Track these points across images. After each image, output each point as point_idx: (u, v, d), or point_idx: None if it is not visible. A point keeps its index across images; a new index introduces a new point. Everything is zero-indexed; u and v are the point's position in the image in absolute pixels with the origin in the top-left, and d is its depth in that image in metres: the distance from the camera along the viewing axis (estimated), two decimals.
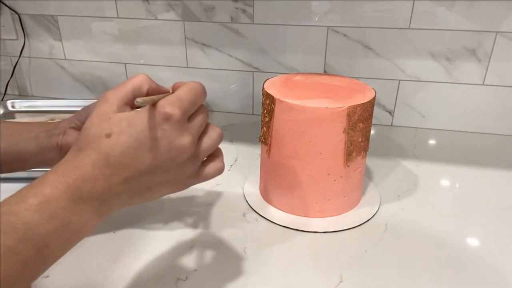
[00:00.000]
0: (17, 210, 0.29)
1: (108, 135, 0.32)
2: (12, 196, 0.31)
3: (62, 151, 0.46)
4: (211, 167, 0.39)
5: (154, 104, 0.33)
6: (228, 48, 0.89)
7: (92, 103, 0.47)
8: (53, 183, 0.31)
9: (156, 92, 0.36)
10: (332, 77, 0.61)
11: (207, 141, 0.37)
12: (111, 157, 0.32)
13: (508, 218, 0.58)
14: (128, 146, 0.33)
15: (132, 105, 0.35)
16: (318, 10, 0.81)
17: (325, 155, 0.53)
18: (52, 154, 0.46)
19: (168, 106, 0.33)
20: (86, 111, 0.47)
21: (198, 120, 0.36)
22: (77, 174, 0.32)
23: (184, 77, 0.93)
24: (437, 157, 0.75)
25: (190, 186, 0.39)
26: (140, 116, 0.33)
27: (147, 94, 0.35)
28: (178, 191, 0.38)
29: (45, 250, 0.30)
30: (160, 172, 0.35)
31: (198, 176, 0.38)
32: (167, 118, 0.33)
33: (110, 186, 0.33)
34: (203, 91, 0.37)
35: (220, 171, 0.40)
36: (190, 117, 0.36)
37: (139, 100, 0.31)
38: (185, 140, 0.35)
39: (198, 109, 0.36)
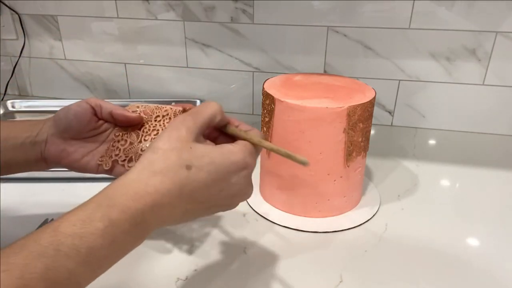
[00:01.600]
0: (83, 233, 0.29)
1: (189, 167, 0.33)
2: (77, 212, 0.30)
3: (47, 162, 0.44)
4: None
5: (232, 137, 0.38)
6: (228, 48, 0.89)
7: (69, 104, 0.44)
8: (122, 207, 0.31)
9: (225, 123, 0.39)
10: (332, 77, 0.61)
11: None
12: (185, 189, 0.33)
13: (508, 218, 0.58)
14: (204, 183, 0.34)
15: (205, 134, 0.37)
16: (318, 10, 0.81)
17: (325, 155, 0.53)
18: (40, 165, 0.45)
19: (249, 156, 0.36)
20: (66, 113, 0.43)
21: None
22: (147, 201, 0.32)
23: (184, 77, 0.93)
24: (437, 157, 0.75)
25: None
26: (222, 156, 0.34)
27: (217, 125, 0.38)
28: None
29: (99, 270, 0.31)
30: (214, 208, 0.37)
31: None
32: (246, 167, 0.36)
33: (171, 214, 0.34)
34: None
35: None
36: None
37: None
38: (251, 190, 0.38)
39: None
